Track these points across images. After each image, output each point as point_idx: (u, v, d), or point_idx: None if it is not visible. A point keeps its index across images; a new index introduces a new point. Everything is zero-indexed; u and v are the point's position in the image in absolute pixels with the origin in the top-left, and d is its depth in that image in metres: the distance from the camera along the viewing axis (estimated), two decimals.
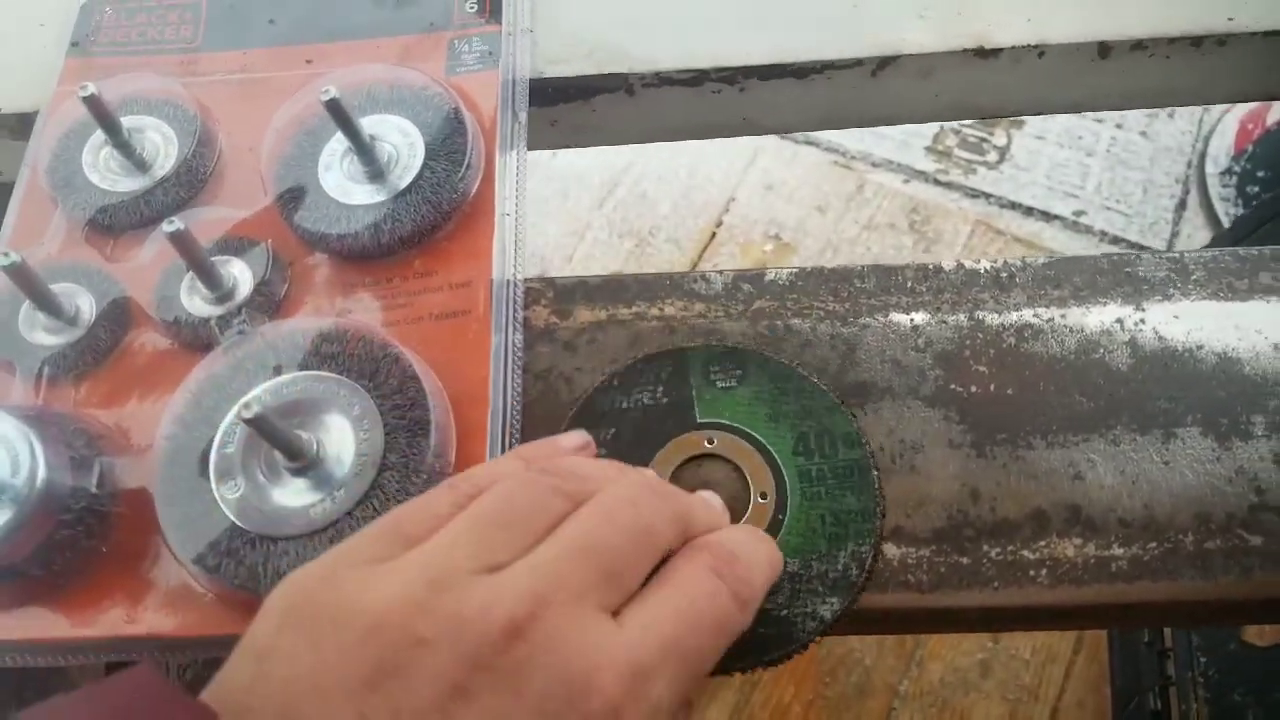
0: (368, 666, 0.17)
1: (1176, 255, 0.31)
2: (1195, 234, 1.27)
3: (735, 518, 0.27)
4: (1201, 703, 0.84)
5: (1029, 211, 1.34)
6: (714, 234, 1.34)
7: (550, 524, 0.21)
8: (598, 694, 0.18)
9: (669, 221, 1.33)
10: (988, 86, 0.37)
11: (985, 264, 0.32)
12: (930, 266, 0.32)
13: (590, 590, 0.19)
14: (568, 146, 0.40)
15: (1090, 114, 1.50)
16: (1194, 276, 0.31)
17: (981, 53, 0.35)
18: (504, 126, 0.34)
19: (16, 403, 0.29)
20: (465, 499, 0.21)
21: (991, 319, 0.31)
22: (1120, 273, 0.31)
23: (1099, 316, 0.31)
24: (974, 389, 0.30)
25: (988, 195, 1.36)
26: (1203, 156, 1.33)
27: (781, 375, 0.29)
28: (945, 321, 0.31)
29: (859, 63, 0.36)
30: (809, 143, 1.38)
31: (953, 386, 0.30)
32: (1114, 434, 0.29)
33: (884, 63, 0.36)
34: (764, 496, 0.27)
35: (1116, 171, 1.35)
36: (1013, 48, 0.35)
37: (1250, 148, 1.28)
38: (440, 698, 0.17)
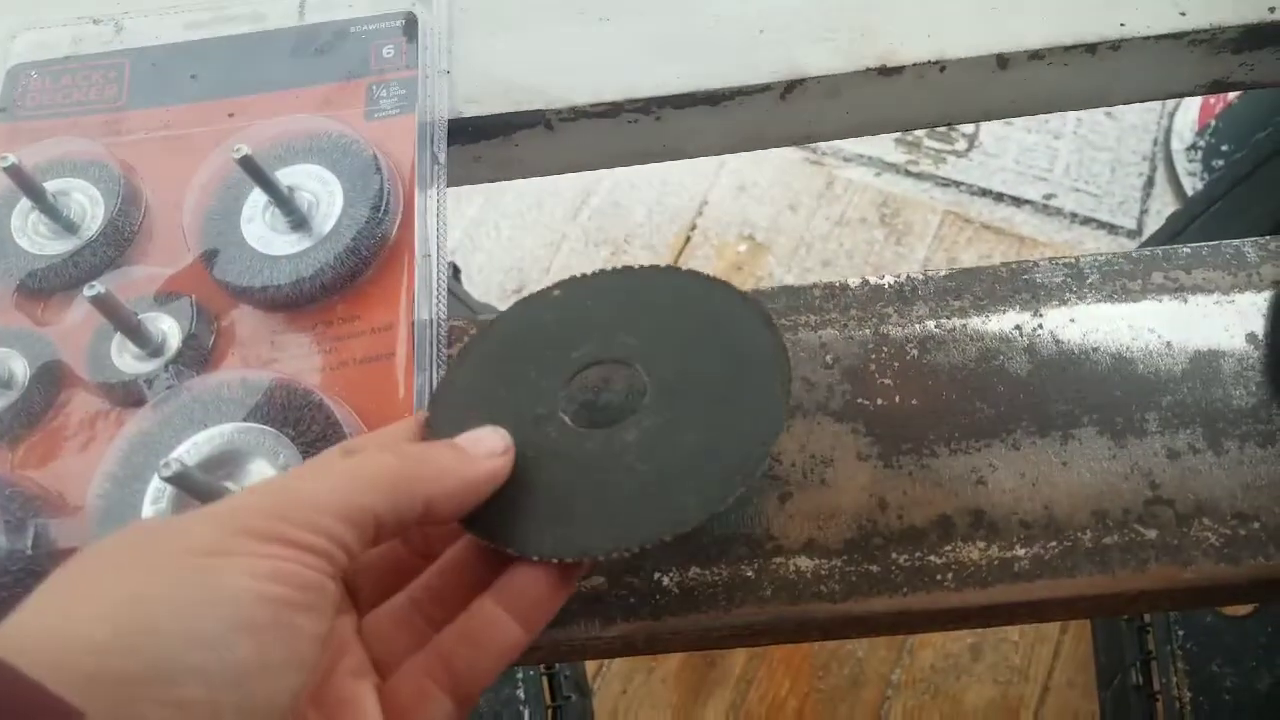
0: None
1: (1072, 260, 0.33)
2: (1164, 210, 1.28)
3: None
4: (1181, 675, 0.86)
5: (999, 198, 1.35)
6: (689, 238, 1.35)
7: None
8: None
9: (644, 228, 1.34)
10: (895, 102, 0.38)
11: (889, 279, 0.33)
12: (837, 284, 0.33)
13: None
14: (493, 180, 0.41)
15: None
16: (1089, 280, 0.32)
17: (885, 71, 0.37)
18: (422, 168, 0.35)
19: None
20: None
21: (895, 332, 0.32)
22: (1018, 280, 0.32)
23: (998, 324, 0.32)
24: (880, 401, 0.31)
25: (958, 184, 1.37)
26: (1168, 133, 1.34)
27: None
28: (852, 337, 0.32)
29: (767, 87, 0.37)
30: None
31: (860, 400, 0.31)
32: (1014, 438, 0.30)
33: (791, 86, 0.37)
34: None
35: (1084, 153, 1.36)
36: (915, 64, 0.36)
37: (1213, 122, 1.29)
38: None
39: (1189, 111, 1.30)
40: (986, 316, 0.32)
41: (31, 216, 0.34)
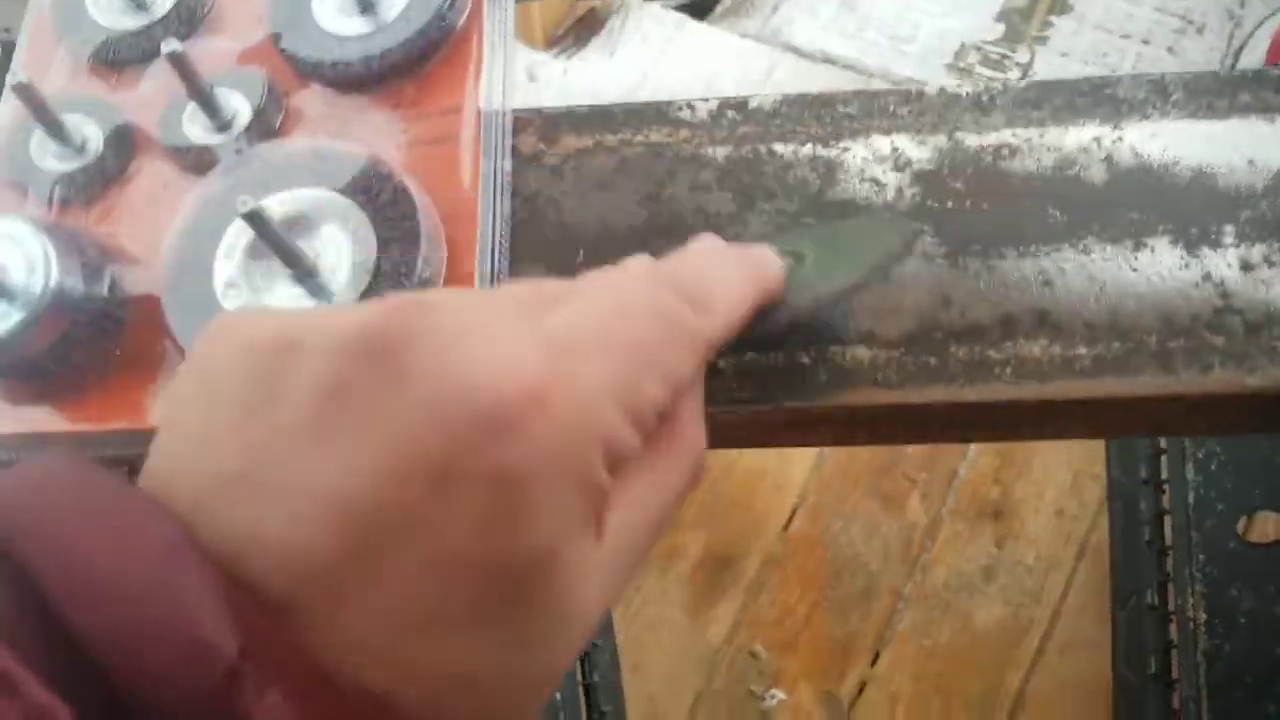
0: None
1: (1157, 76, 0.32)
2: None
3: None
4: (1198, 597, 0.86)
5: None
6: None
7: None
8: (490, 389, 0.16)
9: None
10: None
11: (967, 88, 0.32)
12: (913, 91, 0.32)
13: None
14: None
15: (1116, 31, 1.43)
16: (1173, 97, 0.31)
17: None
18: None
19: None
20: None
21: (970, 139, 0.31)
22: (1100, 94, 0.31)
23: (1076, 136, 0.31)
24: (950, 204, 0.30)
25: None
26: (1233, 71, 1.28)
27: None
28: (925, 142, 0.31)
29: None
30: (827, 60, 1.35)
31: (929, 203, 0.30)
32: (1085, 244, 0.29)
33: None
34: None
35: None
36: None
37: None
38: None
39: (1256, 51, 1.24)
40: (1065, 128, 0.31)
41: None
